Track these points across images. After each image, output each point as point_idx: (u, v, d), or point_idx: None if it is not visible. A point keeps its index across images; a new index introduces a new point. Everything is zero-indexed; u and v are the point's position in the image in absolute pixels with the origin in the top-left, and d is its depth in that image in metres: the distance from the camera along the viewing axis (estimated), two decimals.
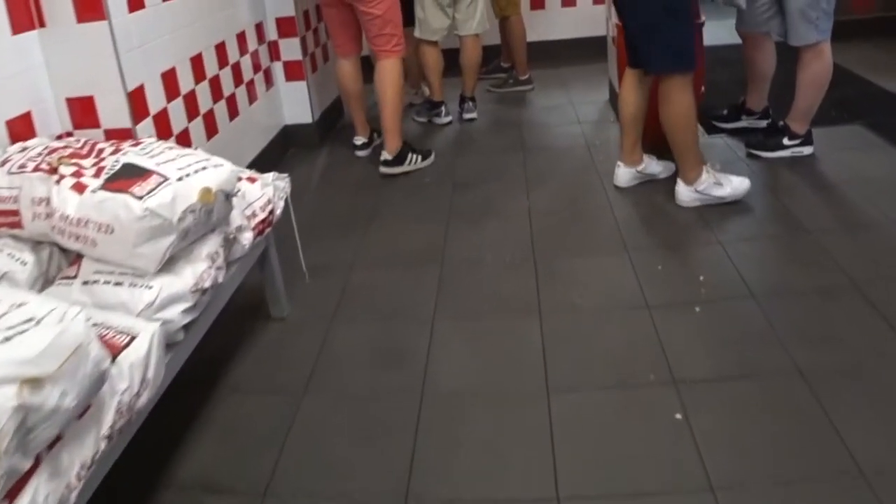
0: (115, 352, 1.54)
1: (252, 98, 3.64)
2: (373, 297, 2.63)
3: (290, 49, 3.95)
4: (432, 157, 3.79)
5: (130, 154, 1.97)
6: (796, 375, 1.98)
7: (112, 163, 1.91)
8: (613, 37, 4.01)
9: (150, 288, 1.80)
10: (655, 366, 2.09)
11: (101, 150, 2.01)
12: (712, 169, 2.98)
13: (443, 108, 4.36)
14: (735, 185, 2.95)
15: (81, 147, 2.04)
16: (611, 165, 3.34)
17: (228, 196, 2.04)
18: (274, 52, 3.95)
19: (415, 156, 3.68)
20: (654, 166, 3.24)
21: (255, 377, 2.26)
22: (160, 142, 2.08)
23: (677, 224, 2.93)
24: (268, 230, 2.36)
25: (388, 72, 3.54)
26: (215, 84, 3.23)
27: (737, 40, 3.53)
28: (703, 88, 3.54)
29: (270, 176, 2.48)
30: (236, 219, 2.17)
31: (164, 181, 1.85)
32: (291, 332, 2.47)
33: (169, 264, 1.84)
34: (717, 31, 4.17)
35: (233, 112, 3.40)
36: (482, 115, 4.48)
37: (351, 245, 3.00)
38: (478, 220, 3.13)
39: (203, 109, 3.11)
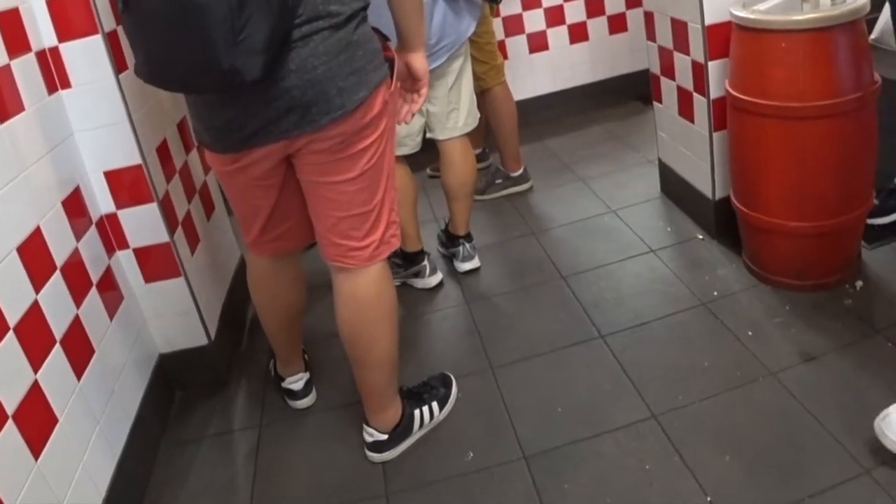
0: None
1: (81, 359, 1.75)
2: None
3: (144, 223, 2.04)
4: (454, 392, 2.00)
5: None
6: None
7: None
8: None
9: None
10: None
11: None
12: None
13: (426, 263, 2.56)
14: None
15: None
16: (791, 365, 1.90)
17: None
18: (115, 236, 2.04)
19: (424, 410, 1.90)
20: None
21: None
22: None
23: None
24: None
25: (377, 297, 1.67)
26: None
27: None
28: None
29: None
30: None
31: None
32: None
33: None
34: None
35: (37, 439, 1.50)
36: (483, 257, 2.71)
37: None
38: None
39: None
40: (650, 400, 1.88)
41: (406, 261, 2.56)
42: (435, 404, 1.91)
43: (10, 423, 1.41)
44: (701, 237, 2.56)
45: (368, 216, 1.58)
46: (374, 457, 1.84)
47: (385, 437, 1.82)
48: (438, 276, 2.59)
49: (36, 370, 1.54)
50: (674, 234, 2.64)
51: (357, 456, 1.88)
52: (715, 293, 2.25)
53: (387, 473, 1.82)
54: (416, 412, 1.87)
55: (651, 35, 2.64)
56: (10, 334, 1.47)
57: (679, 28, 2.39)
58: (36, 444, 1.48)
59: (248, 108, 1.39)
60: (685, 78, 2.45)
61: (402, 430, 1.84)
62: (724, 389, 1.86)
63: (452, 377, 2.03)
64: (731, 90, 2.12)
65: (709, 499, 1.57)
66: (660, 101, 2.72)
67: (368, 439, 1.84)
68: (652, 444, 1.74)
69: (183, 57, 1.23)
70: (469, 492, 1.72)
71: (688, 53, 2.38)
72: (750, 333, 2.04)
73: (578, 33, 3.88)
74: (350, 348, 1.72)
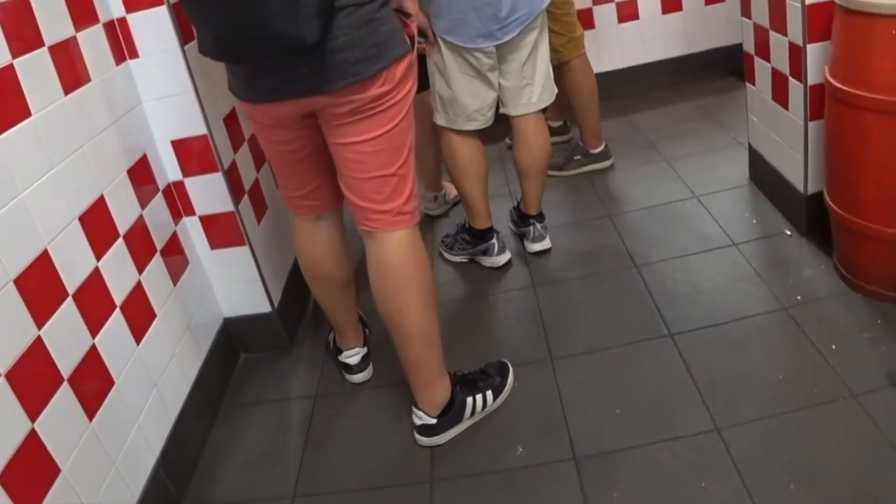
0: None
1: (141, 323, 1.78)
2: None
3: (210, 191, 2.05)
4: (509, 381, 1.95)
5: None
6: None
7: None
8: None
9: None
10: None
11: None
12: None
13: (494, 241, 2.50)
14: None
15: None
16: (877, 388, 1.72)
17: None
18: (182, 203, 2.06)
19: (477, 398, 1.85)
20: None
21: None
22: None
23: None
24: None
25: (402, 263, 1.69)
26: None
27: None
28: None
29: None
30: None
31: None
32: None
33: None
34: None
35: (92, 401, 1.53)
36: (555, 238, 2.62)
37: None
38: None
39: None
40: (715, 410, 1.77)
41: (474, 237, 2.51)
42: (489, 393, 1.87)
43: (65, 386, 1.45)
44: (789, 233, 2.41)
45: (389, 180, 1.61)
46: (423, 440, 1.82)
47: (434, 420, 1.80)
48: (507, 255, 2.52)
49: (94, 335, 1.57)
50: (760, 227, 2.49)
51: (406, 437, 1.87)
52: (799, 297, 2.10)
53: (434, 459, 1.80)
54: (469, 399, 1.83)
55: (746, 10, 2.46)
56: (69, 301, 1.50)
57: (776, 5, 2.21)
58: (91, 405, 1.52)
59: (270, 66, 1.47)
60: (781, 60, 2.28)
61: (452, 416, 1.81)
62: (798, 408, 1.74)
63: (510, 366, 1.98)
64: (830, 79, 1.95)
65: None
66: (753, 82, 2.54)
67: (417, 422, 1.82)
68: (712, 460, 1.65)
69: (249, 32, 1.34)
70: (514, 488, 1.68)
71: (785, 34, 2.20)
72: (833, 347, 1.89)
73: (672, 3, 3.67)
74: (383, 315, 1.74)
